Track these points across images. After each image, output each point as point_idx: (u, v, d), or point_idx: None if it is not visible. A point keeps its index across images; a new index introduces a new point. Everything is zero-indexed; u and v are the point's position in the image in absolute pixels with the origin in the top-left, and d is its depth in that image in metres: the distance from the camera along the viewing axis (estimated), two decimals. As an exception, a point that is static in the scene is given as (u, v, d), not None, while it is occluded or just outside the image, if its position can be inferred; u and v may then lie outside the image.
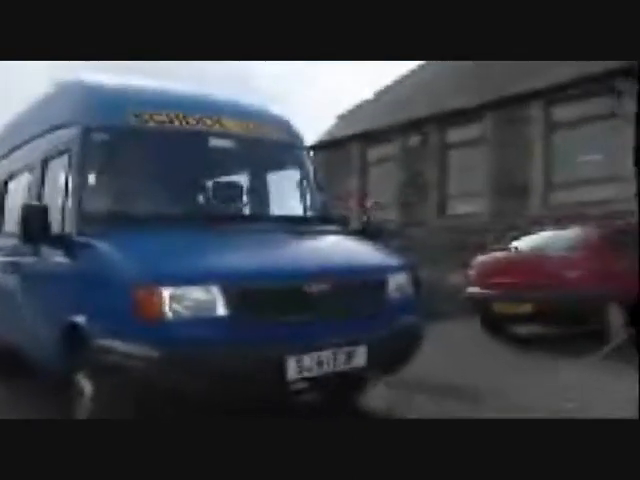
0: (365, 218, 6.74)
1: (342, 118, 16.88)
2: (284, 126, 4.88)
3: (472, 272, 7.85)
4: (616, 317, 6.74)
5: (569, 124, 11.11)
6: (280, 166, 5.03)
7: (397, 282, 3.99)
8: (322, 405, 4.47)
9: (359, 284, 3.79)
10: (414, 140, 13.34)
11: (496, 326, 7.79)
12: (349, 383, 4.13)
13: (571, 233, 7.64)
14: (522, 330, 8.02)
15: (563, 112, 11.27)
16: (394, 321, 3.89)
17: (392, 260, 4.18)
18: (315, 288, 3.52)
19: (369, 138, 14.74)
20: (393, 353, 3.89)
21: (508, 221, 11.43)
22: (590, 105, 10.81)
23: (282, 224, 4.45)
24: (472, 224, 12.08)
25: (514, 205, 11.67)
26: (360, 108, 16.46)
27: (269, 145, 4.72)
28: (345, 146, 15.32)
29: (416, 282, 11.32)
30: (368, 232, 6.50)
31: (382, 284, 3.89)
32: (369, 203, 7.32)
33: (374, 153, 14.82)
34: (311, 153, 15.88)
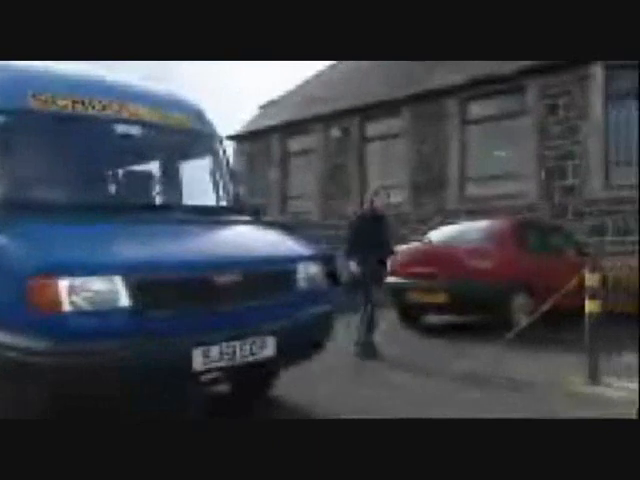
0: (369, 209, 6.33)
1: (264, 109, 16.79)
2: (196, 114, 4.76)
3: (390, 262, 7.97)
4: (521, 305, 7.04)
5: (482, 120, 11.50)
6: (192, 155, 4.92)
7: (307, 272, 4.00)
8: (234, 396, 4.46)
9: (268, 274, 3.77)
10: (335, 132, 13.43)
11: (412, 315, 7.97)
12: (259, 373, 4.12)
13: (483, 225, 7.91)
14: (437, 319, 8.28)
15: (477, 108, 11.65)
16: (304, 311, 3.89)
17: (302, 250, 4.18)
18: (223, 279, 3.47)
19: (291, 129, 14.73)
20: (303, 342, 3.90)
21: (426, 212, 11.76)
22: (501, 103, 11.25)
23: (193, 214, 4.35)
24: (392, 215, 12.29)
25: (432, 197, 11.99)
26: (282, 99, 16.42)
27: (180, 133, 4.60)
28: (267, 137, 15.25)
29: (334, 272, 11.39)
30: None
31: (291, 274, 3.88)
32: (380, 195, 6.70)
33: (295, 144, 14.84)
34: (231, 143, 15.74)
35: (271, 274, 3.80)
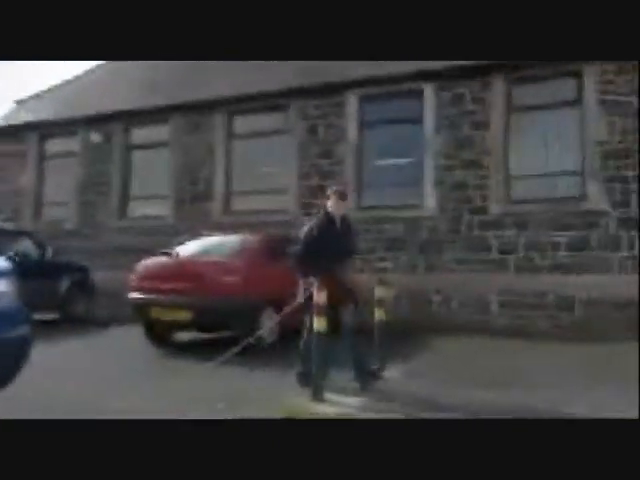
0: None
1: (21, 105, 15.25)
2: None
3: (134, 277, 7.53)
4: (268, 320, 6.99)
5: (248, 135, 11.58)
6: None
7: None
8: None
9: None
10: (95, 137, 12.59)
11: (157, 332, 7.58)
12: None
13: (231, 240, 7.80)
14: (184, 336, 7.99)
15: (244, 123, 11.70)
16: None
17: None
18: None
19: (49, 130, 13.52)
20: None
21: (190, 225, 11.45)
22: (265, 119, 11.43)
23: None
24: (155, 227, 11.81)
25: (198, 209, 11.73)
26: (43, 96, 15.06)
27: None
28: (22, 136, 13.81)
29: (89, 285, 10.53)
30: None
31: None
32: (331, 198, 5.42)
33: (54, 147, 13.62)
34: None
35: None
